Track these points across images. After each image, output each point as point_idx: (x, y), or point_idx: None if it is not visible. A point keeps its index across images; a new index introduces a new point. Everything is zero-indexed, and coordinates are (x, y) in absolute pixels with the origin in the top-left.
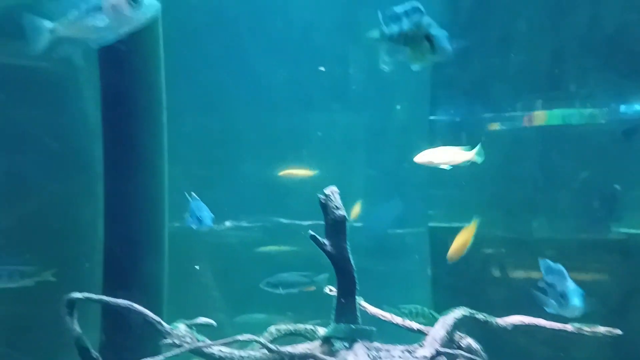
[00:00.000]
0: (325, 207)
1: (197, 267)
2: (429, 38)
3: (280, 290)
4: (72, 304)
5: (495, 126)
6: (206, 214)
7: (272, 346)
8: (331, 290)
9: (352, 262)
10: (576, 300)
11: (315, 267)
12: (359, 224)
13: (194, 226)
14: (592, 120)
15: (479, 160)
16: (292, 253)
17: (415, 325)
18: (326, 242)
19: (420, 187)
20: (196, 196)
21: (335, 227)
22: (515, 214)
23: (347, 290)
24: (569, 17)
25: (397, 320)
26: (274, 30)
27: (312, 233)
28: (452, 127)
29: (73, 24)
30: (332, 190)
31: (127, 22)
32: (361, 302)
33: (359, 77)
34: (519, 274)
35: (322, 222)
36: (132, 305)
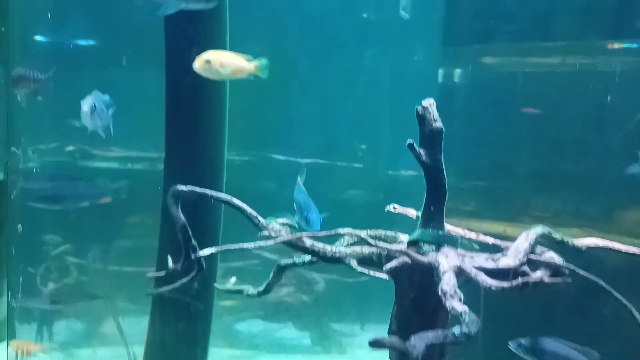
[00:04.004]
0: (422, 119)
1: None
2: None
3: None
4: (178, 195)
5: None
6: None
7: (371, 240)
8: (395, 208)
9: (444, 172)
10: None
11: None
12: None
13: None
14: None
15: (263, 74)
16: None
17: (490, 239)
18: (422, 152)
19: None
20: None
21: (432, 138)
22: None
23: (437, 198)
24: None
25: (471, 235)
26: None
27: (411, 141)
28: None
29: None
30: (430, 103)
31: None
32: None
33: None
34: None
35: None
36: (232, 200)
